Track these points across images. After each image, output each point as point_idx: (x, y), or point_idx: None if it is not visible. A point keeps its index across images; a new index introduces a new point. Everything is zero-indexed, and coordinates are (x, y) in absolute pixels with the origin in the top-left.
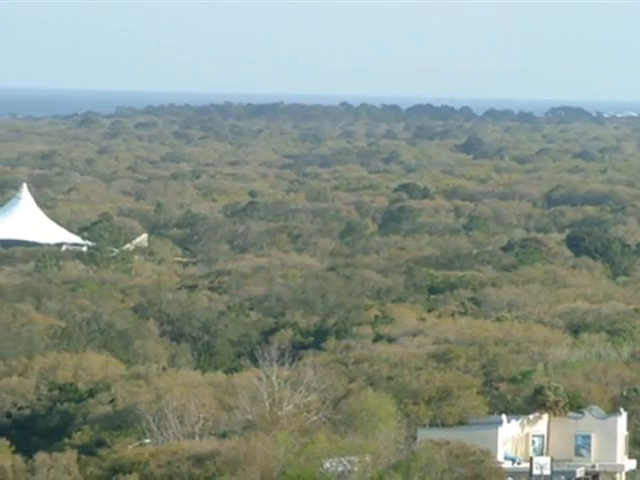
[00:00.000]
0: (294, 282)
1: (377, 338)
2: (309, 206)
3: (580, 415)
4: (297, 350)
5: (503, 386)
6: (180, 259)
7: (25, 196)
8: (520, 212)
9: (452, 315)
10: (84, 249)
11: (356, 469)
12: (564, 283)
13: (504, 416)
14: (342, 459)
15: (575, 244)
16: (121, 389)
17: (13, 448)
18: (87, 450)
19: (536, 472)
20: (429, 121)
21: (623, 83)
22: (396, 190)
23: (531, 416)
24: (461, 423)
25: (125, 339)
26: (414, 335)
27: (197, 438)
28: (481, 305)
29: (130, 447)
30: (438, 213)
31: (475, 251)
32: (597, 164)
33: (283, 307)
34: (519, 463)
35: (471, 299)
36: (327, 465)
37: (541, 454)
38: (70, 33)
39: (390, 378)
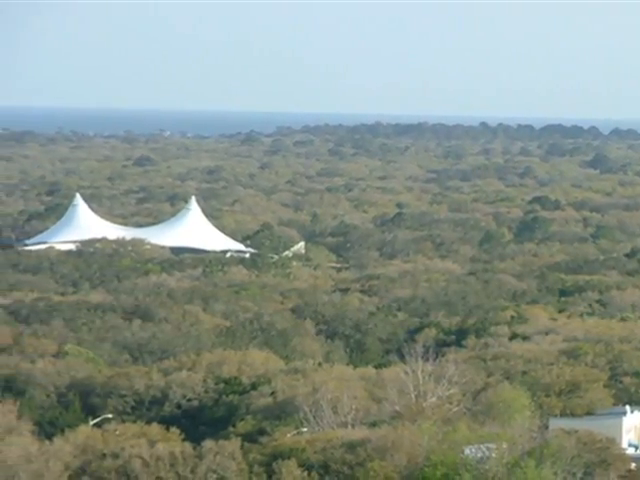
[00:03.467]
0: (437, 285)
1: (513, 336)
2: (451, 216)
3: None
4: (440, 347)
5: (627, 380)
6: (334, 265)
7: (194, 207)
8: None
9: (581, 315)
10: (247, 256)
11: (494, 455)
12: None
13: (628, 407)
14: (481, 446)
15: None
16: (281, 382)
17: (183, 436)
18: (250, 438)
19: None
20: (560, 139)
21: None
22: (530, 202)
23: None
24: (589, 413)
25: (284, 337)
26: (546, 334)
27: (349, 427)
28: (607, 306)
29: (289, 435)
30: (568, 223)
31: (601, 257)
32: None
33: (427, 308)
34: None
35: (598, 301)
36: (467, 451)
37: None
38: (236, 59)
39: (524, 373)
